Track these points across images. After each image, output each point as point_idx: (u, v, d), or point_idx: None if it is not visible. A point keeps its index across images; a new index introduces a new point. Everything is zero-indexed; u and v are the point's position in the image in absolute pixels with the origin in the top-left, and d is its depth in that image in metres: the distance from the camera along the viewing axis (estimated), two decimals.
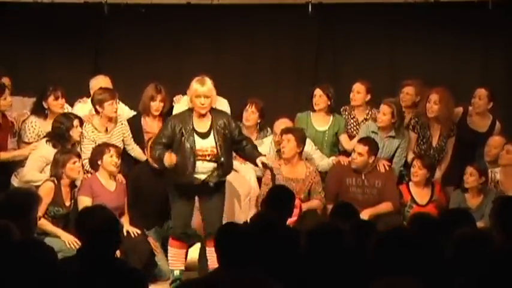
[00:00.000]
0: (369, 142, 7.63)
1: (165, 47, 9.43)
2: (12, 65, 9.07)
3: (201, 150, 6.83)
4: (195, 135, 6.84)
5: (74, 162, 7.06)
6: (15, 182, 7.44)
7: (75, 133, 7.33)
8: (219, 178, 6.93)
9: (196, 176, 6.87)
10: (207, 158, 6.85)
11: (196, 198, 7.07)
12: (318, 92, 8.01)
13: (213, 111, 6.97)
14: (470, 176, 7.52)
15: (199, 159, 6.86)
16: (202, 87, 6.84)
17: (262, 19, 9.37)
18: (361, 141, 7.67)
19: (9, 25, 9.21)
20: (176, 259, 7.19)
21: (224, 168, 6.92)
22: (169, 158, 6.76)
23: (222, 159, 6.86)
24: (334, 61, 9.52)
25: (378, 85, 8.52)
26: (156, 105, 7.78)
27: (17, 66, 9.18)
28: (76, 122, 7.33)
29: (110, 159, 7.23)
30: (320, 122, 8.04)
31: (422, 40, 9.35)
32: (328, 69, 9.49)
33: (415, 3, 9.00)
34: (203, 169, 6.88)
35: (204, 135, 6.88)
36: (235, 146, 7.02)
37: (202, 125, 6.90)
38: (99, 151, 7.28)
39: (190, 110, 6.94)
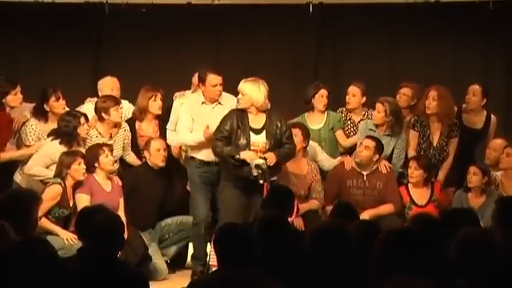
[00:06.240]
0: (376, 139, 7.66)
1: (166, 47, 9.43)
2: (12, 65, 9.07)
3: (253, 144, 7.07)
4: (250, 131, 7.09)
5: (79, 164, 7.05)
6: (18, 178, 7.43)
7: (82, 131, 7.32)
8: (270, 177, 7.05)
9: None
10: (258, 153, 7.04)
11: None
12: (324, 92, 8.03)
13: (269, 111, 7.21)
14: (474, 176, 7.48)
15: None
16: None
17: (262, 19, 9.37)
18: (369, 137, 7.69)
19: (9, 25, 9.21)
20: None
21: (273, 167, 7.05)
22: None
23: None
24: (334, 61, 9.53)
25: (378, 85, 8.52)
26: (159, 104, 7.72)
27: (17, 66, 9.18)
28: (83, 120, 7.32)
29: (107, 160, 7.25)
30: (315, 121, 8.03)
31: (422, 40, 9.35)
32: (328, 69, 9.49)
33: (415, 3, 8.99)
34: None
35: (257, 131, 7.13)
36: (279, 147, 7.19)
37: (257, 121, 7.15)
38: (93, 153, 7.27)
39: (244, 110, 7.16)
